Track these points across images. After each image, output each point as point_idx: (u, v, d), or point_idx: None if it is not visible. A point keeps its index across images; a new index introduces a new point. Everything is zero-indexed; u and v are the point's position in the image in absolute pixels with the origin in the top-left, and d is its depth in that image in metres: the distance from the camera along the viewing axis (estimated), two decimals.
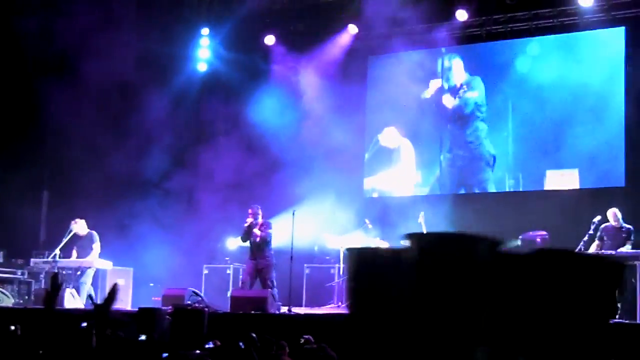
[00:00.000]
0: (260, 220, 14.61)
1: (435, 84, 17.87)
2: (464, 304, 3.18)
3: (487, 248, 3.37)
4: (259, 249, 14.51)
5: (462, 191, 17.59)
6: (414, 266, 3.19)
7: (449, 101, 17.74)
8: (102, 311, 5.17)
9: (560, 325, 3.40)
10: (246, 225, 14.54)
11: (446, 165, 17.68)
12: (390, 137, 18.24)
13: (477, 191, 17.38)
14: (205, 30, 19.47)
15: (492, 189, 17.25)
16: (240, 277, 16.24)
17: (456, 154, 17.58)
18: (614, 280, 3.67)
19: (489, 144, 17.23)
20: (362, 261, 3.54)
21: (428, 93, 17.86)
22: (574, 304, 3.42)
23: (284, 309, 13.94)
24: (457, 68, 17.74)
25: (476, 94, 17.41)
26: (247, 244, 14.91)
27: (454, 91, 17.70)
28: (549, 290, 3.40)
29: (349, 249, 3.76)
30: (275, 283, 14.43)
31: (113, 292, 5.14)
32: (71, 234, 15.26)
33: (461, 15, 17.27)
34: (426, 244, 3.27)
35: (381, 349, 3.34)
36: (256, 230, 14.45)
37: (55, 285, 5.32)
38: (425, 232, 15.32)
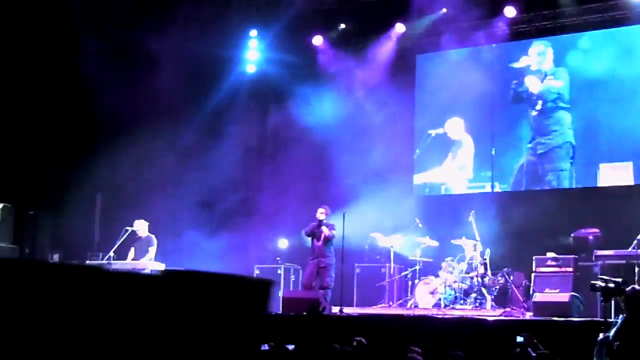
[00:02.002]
0: (327, 221, 15.00)
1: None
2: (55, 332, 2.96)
3: (89, 273, 3.13)
4: (322, 248, 14.84)
5: (540, 186, 17.21)
6: None
7: (534, 84, 17.39)
8: None
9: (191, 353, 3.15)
10: (319, 219, 14.88)
11: (528, 154, 17.34)
12: (456, 128, 18.10)
13: (553, 183, 17.03)
14: (253, 32, 19.57)
15: (565, 180, 16.92)
16: (299, 278, 16.60)
17: (538, 142, 17.27)
18: (256, 301, 3.39)
19: (571, 135, 16.96)
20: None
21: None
22: (204, 329, 3.18)
23: (336, 310, 14.01)
24: (547, 55, 17.39)
25: (561, 83, 17.08)
26: (309, 243, 15.28)
27: (540, 76, 17.36)
28: (175, 315, 3.15)
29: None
30: (332, 284, 14.75)
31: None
32: (127, 233, 15.45)
33: (510, 11, 17.18)
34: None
35: None
36: (325, 229, 14.81)
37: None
38: (476, 229, 15.28)
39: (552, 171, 17.02)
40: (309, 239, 15.27)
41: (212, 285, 3.22)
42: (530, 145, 17.28)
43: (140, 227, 15.59)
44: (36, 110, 17.04)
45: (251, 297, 3.34)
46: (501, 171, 17.55)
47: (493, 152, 17.44)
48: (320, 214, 14.97)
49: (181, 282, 3.15)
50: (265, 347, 8.96)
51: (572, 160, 16.80)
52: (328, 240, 14.87)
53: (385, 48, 18.45)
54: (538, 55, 17.28)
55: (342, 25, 18.76)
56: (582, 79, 16.81)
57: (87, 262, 16.08)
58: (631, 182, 16.13)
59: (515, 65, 17.44)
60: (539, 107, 17.25)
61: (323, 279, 14.74)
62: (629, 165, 16.23)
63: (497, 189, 17.50)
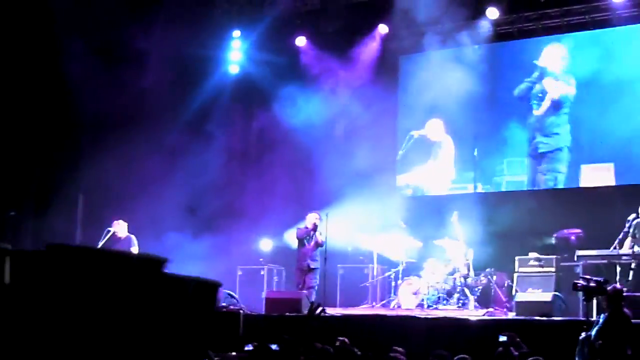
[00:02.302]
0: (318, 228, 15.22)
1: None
2: None
3: None
4: (312, 252, 15.08)
5: (537, 186, 17.10)
6: None
7: (551, 86, 17.15)
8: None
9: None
10: (315, 225, 15.11)
11: (531, 154, 17.25)
12: (435, 129, 18.06)
13: (550, 184, 16.90)
14: (236, 33, 19.50)
15: (561, 182, 16.80)
16: (282, 279, 17.14)
17: (540, 142, 17.14)
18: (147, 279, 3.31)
19: (569, 138, 16.87)
20: None
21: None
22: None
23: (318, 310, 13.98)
24: (562, 57, 17.22)
25: (572, 88, 16.92)
26: (295, 245, 15.64)
27: (556, 79, 17.17)
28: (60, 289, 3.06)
29: None
30: (317, 286, 15.09)
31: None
32: (109, 234, 15.39)
33: (492, 13, 17.23)
34: None
35: None
36: (319, 235, 15.03)
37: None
38: (459, 230, 15.33)
39: (550, 172, 16.99)
40: (297, 241, 15.46)
41: (97, 262, 3.17)
42: (529, 146, 17.24)
43: (120, 228, 15.54)
44: (18, 110, 16.93)
45: (141, 275, 3.28)
46: (483, 172, 17.57)
47: (475, 153, 17.41)
48: (316, 219, 15.15)
49: (64, 258, 3.10)
50: (249, 347, 8.95)
51: (569, 163, 16.81)
52: (319, 245, 15.09)
53: (369, 49, 18.45)
54: (562, 59, 17.11)
55: (326, 27, 18.75)
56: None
57: None
58: (612, 183, 16.21)
59: (538, 62, 17.21)
60: (545, 108, 17.15)
61: (310, 280, 15.00)
62: (610, 166, 16.31)
63: (480, 190, 17.51)
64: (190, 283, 3.56)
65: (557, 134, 17.01)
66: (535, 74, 17.23)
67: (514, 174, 17.40)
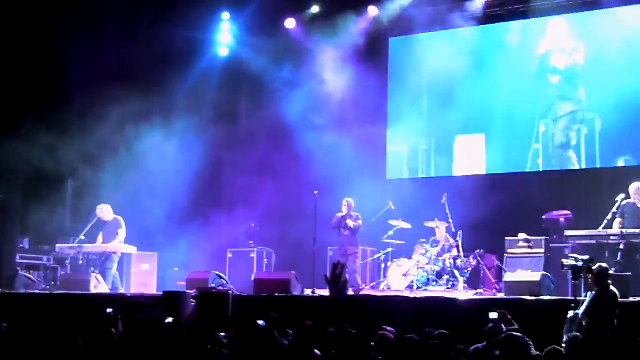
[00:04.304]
0: (352, 212, 15.39)
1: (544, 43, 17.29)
2: None
3: None
4: (350, 237, 15.31)
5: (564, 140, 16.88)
6: None
7: (559, 60, 17.15)
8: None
9: None
10: (340, 215, 15.35)
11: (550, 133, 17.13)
12: None
13: (564, 140, 16.88)
14: (225, 15, 19.43)
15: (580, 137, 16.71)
16: (272, 261, 17.09)
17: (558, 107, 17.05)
18: None
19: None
20: None
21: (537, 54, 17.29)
22: None
23: (308, 291, 14.00)
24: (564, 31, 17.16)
25: (580, 57, 16.87)
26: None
27: (562, 53, 17.12)
28: None
29: None
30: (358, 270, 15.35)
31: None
32: (96, 219, 15.42)
33: None
34: None
35: None
36: (349, 222, 15.24)
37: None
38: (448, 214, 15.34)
39: (568, 130, 16.86)
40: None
41: None
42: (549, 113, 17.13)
43: (105, 211, 15.56)
44: (6, 92, 16.85)
45: None
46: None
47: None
48: (344, 205, 15.38)
49: None
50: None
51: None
52: (355, 230, 15.31)
53: (358, 31, 18.37)
54: (564, 30, 17.07)
55: (315, 9, 18.64)
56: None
57: (58, 245, 16.01)
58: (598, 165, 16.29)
59: (538, 51, 17.25)
60: (556, 79, 17.12)
61: (350, 264, 14.99)
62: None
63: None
64: None
65: (572, 98, 16.92)
66: (540, 52, 17.23)
67: None
